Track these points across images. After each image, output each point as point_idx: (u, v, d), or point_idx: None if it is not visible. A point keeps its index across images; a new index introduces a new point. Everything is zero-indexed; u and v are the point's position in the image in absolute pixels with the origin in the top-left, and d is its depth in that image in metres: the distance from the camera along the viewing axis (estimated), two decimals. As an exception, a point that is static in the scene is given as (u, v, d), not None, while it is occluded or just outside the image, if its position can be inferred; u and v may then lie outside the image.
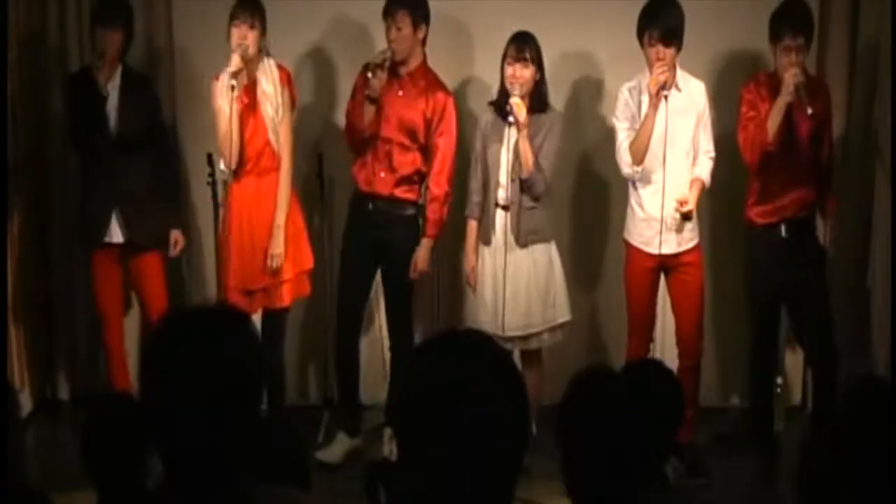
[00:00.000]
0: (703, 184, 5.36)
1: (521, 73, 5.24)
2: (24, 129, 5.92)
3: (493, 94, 5.45)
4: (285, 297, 5.50)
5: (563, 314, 5.47)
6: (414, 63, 5.41)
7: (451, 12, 5.89)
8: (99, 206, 5.55)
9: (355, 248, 5.51)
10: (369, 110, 5.31)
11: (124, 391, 5.18)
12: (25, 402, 5.85)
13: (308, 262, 5.55)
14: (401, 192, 5.44)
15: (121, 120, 5.51)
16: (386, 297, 5.61)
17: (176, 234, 5.69)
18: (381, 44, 5.47)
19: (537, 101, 5.31)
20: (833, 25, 5.83)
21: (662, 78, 5.15)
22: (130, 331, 5.89)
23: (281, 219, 5.39)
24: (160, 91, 5.87)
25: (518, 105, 5.16)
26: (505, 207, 5.35)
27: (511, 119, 5.18)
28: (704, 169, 5.38)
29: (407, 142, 5.41)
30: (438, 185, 5.41)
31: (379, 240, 5.44)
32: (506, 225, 5.35)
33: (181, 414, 1.93)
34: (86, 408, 5.02)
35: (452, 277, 5.90)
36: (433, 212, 5.41)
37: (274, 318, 5.50)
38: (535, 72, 5.27)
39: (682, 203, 5.24)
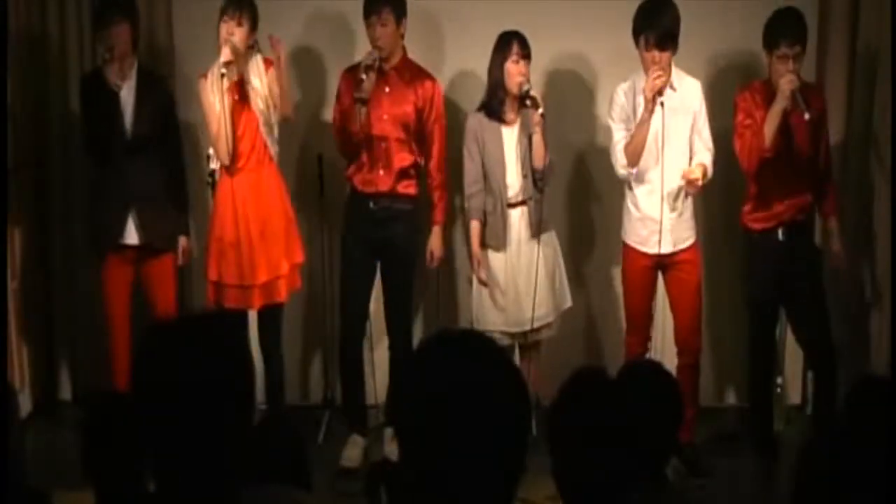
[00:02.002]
0: (705, 166, 5.32)
1: (525, 70, 5.31)
2: (24, 129, 5.92)
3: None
4: (283, 291, 5.52)
5: (567, 300, 5.61)
6: (397, 58, 5.42)
7: (450, 12, 5.93)
8: (114, 207, 5.50)
9: (357, 248, 5.51)
10: (361, 112, 5.31)
11: (124, 391, 5.18)
12: (25, 402, 5.85)
13: (299, 255, 5.57)
14: (401, 188, 5.45)
15: (136, 118, 5.47)
16: (386, 295, 5.59)
17: (184, 242, 5.66)
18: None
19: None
20: (832, 29, 5.82)
21: (659, 83, 5.15)
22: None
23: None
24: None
25: (538, 98, 5.24)
26: (516, 205, 5.40)
27: (542, 111, 5.22)
28: (706, 157, 5.36)
29: (403, 136, 5.43)
30: (440, 170, 5.48)
31: (380, 238, 5.44)
32: (520, 221, 5.40)
33: (177, 417, 1.93)
34: (85, 407, 5.01)
35: (452, 277, 5.92)
36: (440, 198, 5.49)
37: (272, 313, 5.52)
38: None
39: (689, 172, 5.24)
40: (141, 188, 5.49)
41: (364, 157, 5.45)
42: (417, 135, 5.46)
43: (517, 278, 5.44)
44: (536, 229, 5.40)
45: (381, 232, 5.44)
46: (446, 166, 5.52)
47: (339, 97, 5.49)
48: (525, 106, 5.31)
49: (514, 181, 5.40)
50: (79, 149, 5.81)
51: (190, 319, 2.10)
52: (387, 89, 5.40)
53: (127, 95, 5.48)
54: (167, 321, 2.14)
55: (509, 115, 5.39)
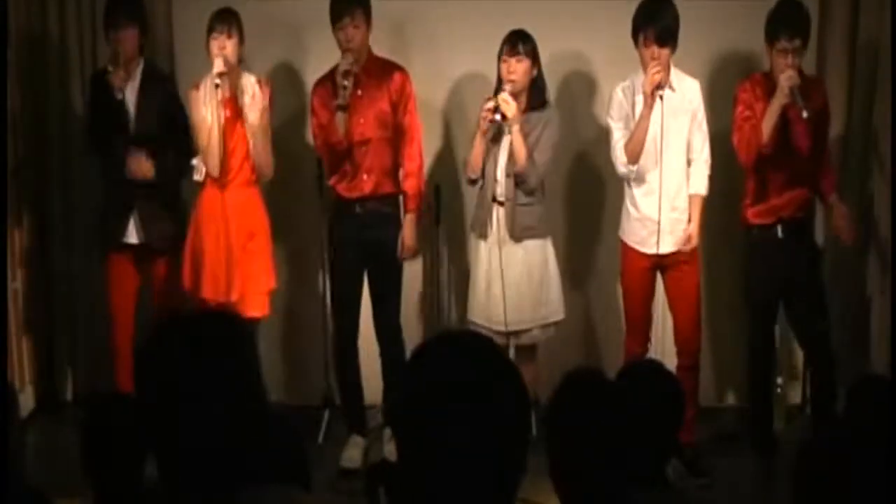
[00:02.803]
0: (702, 199, 5.37)
1: (515, 68, 5.27)
2: (25, 129, 5.92)
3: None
4: (252, 311, 5.45)
5: (555, 313, 5.50)
6: (364, 58, 5.38)
7: (449, 12, 5.93)
8: (116, 207, 5.53)
9: (346, 253, 5.45)
10: (343, 118, 5.27)
11: (125, 391, 5.18)
12: (26, 402, 5.86)
13: (271, 282, 5.55)
14: (386, 190, 5.41)
15: (139, 119, 5.48)
16: (375, 299, 5.52)
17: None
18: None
19: (536, 97, 5.34)
20: (833, 25, 5.82)
21: (658, 77, 5.13)
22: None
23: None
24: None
25: (505, 100, 5.18)
26: (502, 203, 5.37)
27: (497, 116, 5.17)
28: (701, 180, 5.36)
29: (383, 135, 5.39)
30: (411, 158, 5.41)
31: (369, 241, 5.39)
32: (502, 220, 5.37)
33: (178, 417, 1.93)
34: (86, 407, 5.02)
35: (452, 277, 5.92)
36: (410, 186, 5.40)
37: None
38: (531, 67, 5.30)
39: (688, 241, 5.30)
40: (143, 188, 5.49)
41: (346, 165, 5.40)
42: (396, 130, 5.41)
43: (495, 277, 5.41)
44: (510, 233, 5.34)
45: (370, 235, 5.40)
46: (419, 154, 5.45)
47: (314, 112, 5.43)
48: (532, 108, 5.32)
49: (502, 178, 5.38)
50: (79, 148, 5.81)
51: (194, 319, 2.09)
52: (359, 92, 5.34)
53: (130, 96, 5.48)
54: (171, 320, 2.13)
55: (512, 113, 5.36)
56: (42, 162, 6.02)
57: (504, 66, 5.29)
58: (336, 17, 5.28)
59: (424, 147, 5.80)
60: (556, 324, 5.53)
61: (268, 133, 5.44)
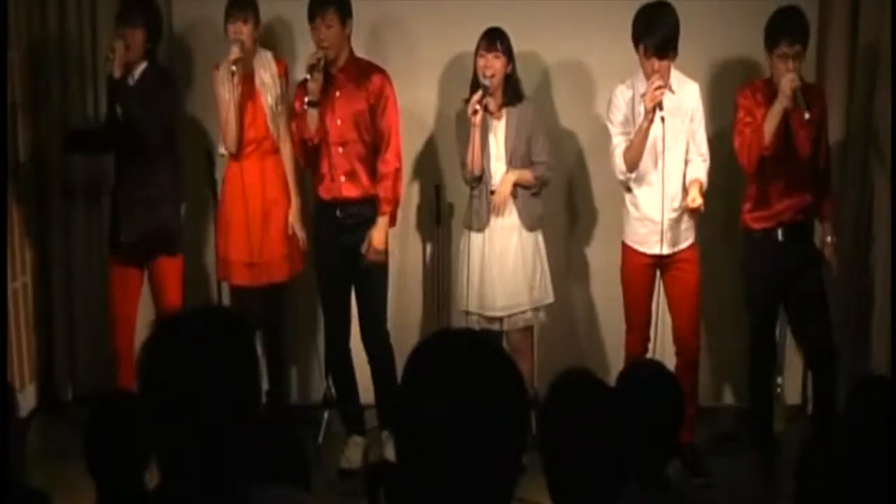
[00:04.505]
0: (701, 183, 5.34)
1: (492, 64, 5.32)
2: (25, 128, 5.92)
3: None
4: (284, 272, 5.60)
5: (548, 296, 5.57)
6: (343, 59, 5.35)
7: (452, 13, 5.93)
8: (116, 207, 5.58)
9: (328, 256, 5.44)
10: (312, 115, 5.26)
11: (127, 390, 5.17)
12: (28, 401, 5.86)
13: (287, 247, 5.62)
14: (366, 193, 5.38)
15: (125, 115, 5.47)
16: (360, 303, 5.48)
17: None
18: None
19: (511, 93, 5.38)
20: (833, 29, 5.82)
21: (659, 95, 5.09)
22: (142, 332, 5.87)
23: (295, 199, 5.60)
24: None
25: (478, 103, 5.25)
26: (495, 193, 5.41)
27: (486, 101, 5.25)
28: (700, 169, 5.36)
29: (361, 137, 5.36)
30: (386, 162, 5.37)
31: (349, 244, 5.37)
32: (497, 210, 5.41)
33: (180, 415, 1.93)
34: (88, 406, 5.01)
35: (451, 276, 5.91)
36: (385, 189, 5.36)
37: (274, 292, 5.63)
38: (507, 63, 5.33)
39: (692, 202, 5.23)
40: (140, 189, 5.49)
41: (325, 167, 5.38)
42: (375, 132, 5.38)
43: (492, 264, 5.43)
44: (526, 224, 5.41)
45: (349, 239, 5.37)
46: (397, 157, 5.40)
47: (294, 112, 5.42)
48: (509, 102, 5.37)
49: (498, 170, 5.40)
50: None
51: (194, 317, 2.09)
52: (337, 94, 5.33)
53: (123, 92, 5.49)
54: (172, 319, 2.13)
55: (492, 107, 5.38)
56: (42, 162, 6.02)
57: (481, 62, 5.33)
58: (309, 17, 5.31)
59: (421, 149, 5.81)
60: (547, 307, 5.56)
61: (284, 115, 5.52)
